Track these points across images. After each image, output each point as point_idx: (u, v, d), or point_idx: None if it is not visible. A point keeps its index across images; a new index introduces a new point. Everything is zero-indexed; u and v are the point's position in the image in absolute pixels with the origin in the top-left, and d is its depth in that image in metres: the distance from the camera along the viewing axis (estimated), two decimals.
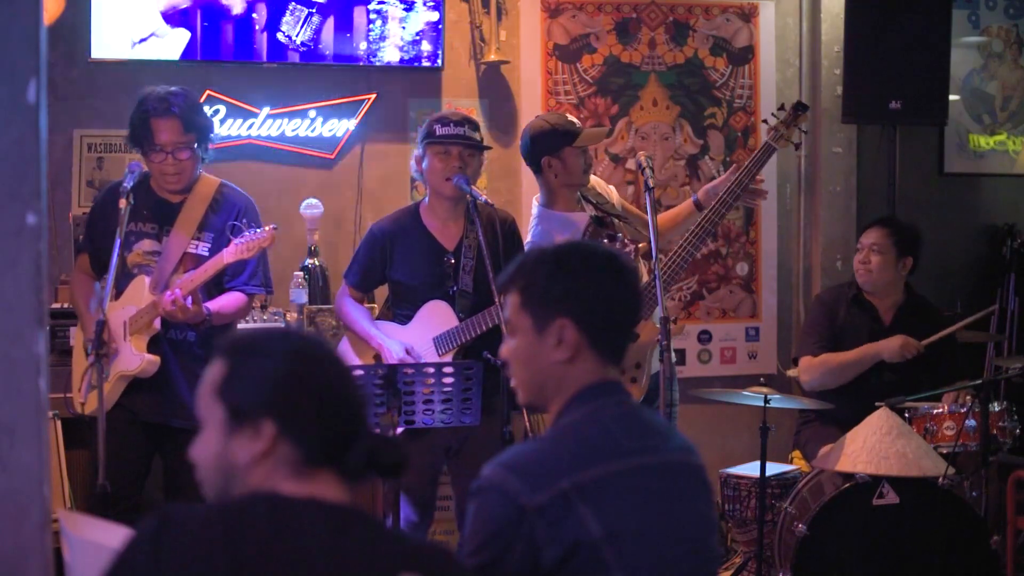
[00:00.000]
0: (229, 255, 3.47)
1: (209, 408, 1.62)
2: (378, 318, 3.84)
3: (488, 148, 3.78)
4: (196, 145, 3.50)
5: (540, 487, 1.78)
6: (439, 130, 3.64)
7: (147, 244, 3.52)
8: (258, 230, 3.50)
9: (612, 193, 4.05)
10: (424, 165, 3.68)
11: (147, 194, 3.54)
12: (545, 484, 1.79)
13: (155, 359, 3.42)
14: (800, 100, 3.94)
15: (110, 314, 3.43)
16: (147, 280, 3.46)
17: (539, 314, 1.94)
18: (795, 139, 3.91)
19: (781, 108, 3.92)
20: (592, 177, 4.00)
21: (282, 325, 4.44)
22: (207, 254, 3.51)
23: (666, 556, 1.86)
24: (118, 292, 3.52)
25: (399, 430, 3.47)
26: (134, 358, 3.40)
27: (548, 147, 3.81)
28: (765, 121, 3.92)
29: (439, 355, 3.62)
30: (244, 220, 3.58)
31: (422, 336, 3.65)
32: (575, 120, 3.89)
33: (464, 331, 3.59)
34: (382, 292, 4.04)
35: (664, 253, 3.75)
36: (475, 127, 3.68)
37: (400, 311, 3.76)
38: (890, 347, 4.16)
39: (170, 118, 3.44)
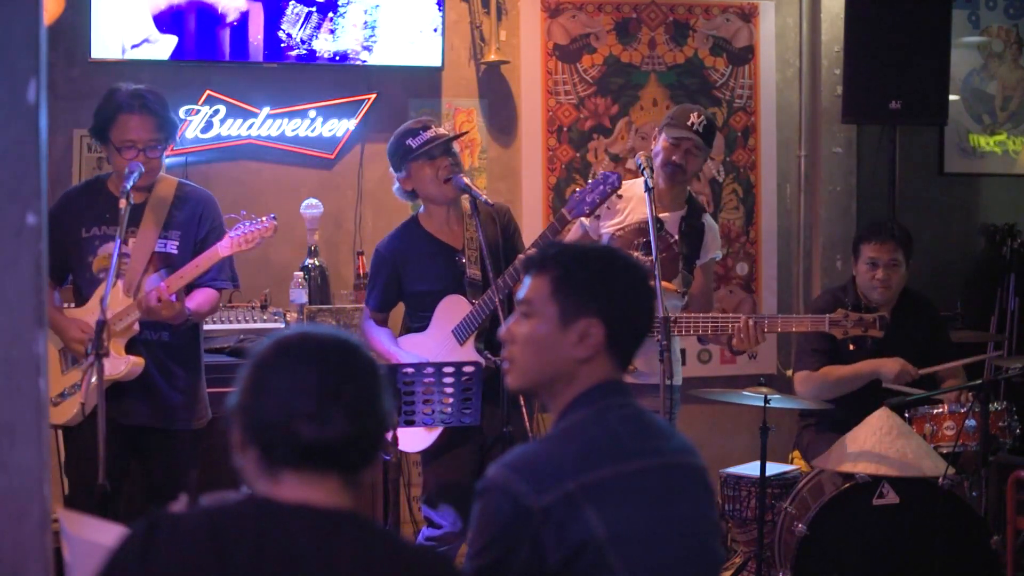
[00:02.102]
0: (225, 249, 3.44)
1: None
2: (400, 334, 3.86)
3: (462, 134, 3.80)
4: (165, 145, 3.45)
5: (546, 489, 1.78)
6: (414, 143, 3.65)
7: (112, 247, 3.38)
8: (256, 220, 3.48)
9: (712, 248, 3.98)
10: (413, 182, 3.70)
11: (106, 197, 3.45)
12: (551, 486, 1.78)
13: (140, 360, 3.36)
14: (884, 317, 3.64)
15: (75, 319, 3.40)
16: (120, 283, 3.38)
17: (569, 307, 1.91)
18: (849, 335, 3.66)
19: (868, 310, 3.79)
20: (714, 223, 4.02)
21: (281, 325, 4.45)
22: (176, 252, 3.47)
23: (670, 558, 1.86)
24: (84, 297, 3.45)
25: (437, 431, 3.48)
26: (118, 362, 3.33)
27: (663, 125, 3.90)
28: (848, 308, 3.75)
29: (460, 344, 3.63)
30: (206, 215, 3.54)
31: (441, 332, 3.66)
32: (694, 119, 3.82)
33: (477, 314, 3.60)
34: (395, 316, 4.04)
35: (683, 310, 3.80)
36: (439, 123, 3.72)
37: (417, 322, 3.77)
38: (888, 369, 4.09)
39: (144, 115, 3.38)
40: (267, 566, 1.46)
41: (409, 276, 3.74)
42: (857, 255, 4.29)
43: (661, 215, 3.80)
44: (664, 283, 3.62)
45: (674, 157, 3.82)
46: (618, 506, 1.81)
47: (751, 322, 3.61)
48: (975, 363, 4.39)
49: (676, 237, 3.85)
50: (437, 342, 3.66)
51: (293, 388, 1.56)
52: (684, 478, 1.93)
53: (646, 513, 1.84)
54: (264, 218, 3.49)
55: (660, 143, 3.86)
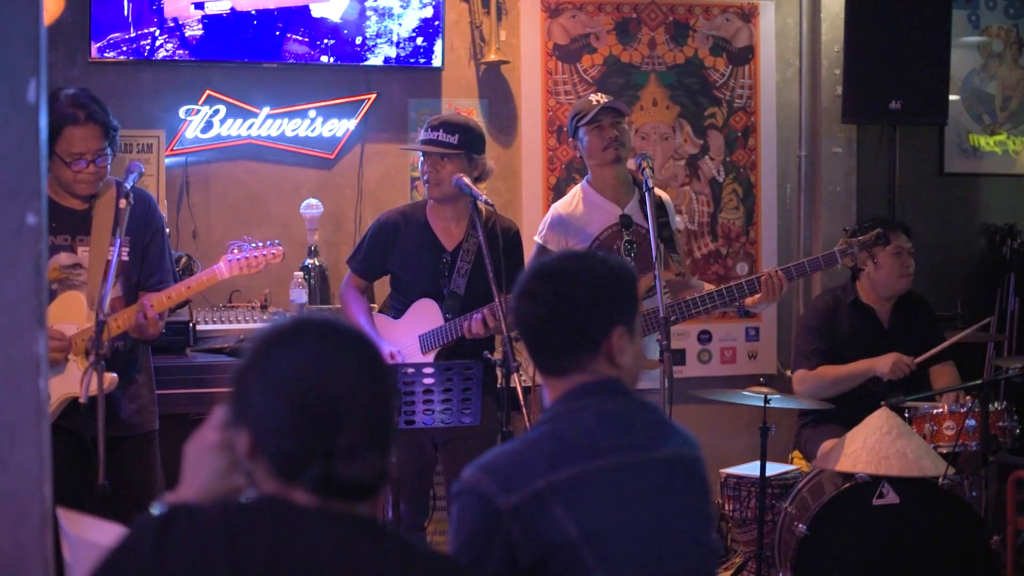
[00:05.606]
0: (223, 272, 3.41)
1: None
2: (380, 310, 3.91)
3: (461, 150, 3.64)
4: (112, 151, 3.35)
5: (514, 488, 1.79)
6: (420, 135, 3.72)
7: (63, 258, 3.34)
8: (260, 245, 3.45)
9: (673, 213, 4.00)
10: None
11: (50, 205, 3.23)
12: (519, 485, 1.79)
13: (115, 376, 3.25)
14: (884, 233, 3.79)
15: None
16: (83, 297, 3.31)
17: None
18: (861, 263, 3.87)
19: (869, 224, 3.85)
20: (663, 193, 3.99)
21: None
22: (128, 259, 3.39)
23: (655, 554, 1.86)
24: None
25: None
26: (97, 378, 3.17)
27: (570, 129, 3.94)
28: (845, 230, 3.87)
29: (423, 353, 3.66)
30: (151, 218, 3.45)
31: (410, 332, 3.69)
32: (595, 99, 3.88)
33: (447, 332, 3.62)
34: (381, 292, 4.05)
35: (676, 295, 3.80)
36: (452, 130, 3.63)
37: (395, 303, 3.81)
38: (883, 365, 4.11)
39: (90, 125, 3.26)
40: (282, 568, 1.44)
41: (395, 256, 3.76)
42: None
43: (624, 210, 3.83)
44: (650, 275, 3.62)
45: (609, 136, 3.81)
46: (589, 504, 1.81)
47: (779, 272, 3.68)
48: (973, 345, 4.39)
49: (647, 225, 3.85)
50: (405, 340, 3.69)
51: (325, 415, 1.47)
52: (671, 472, 1.93)
53: (622, 510, 1.84)
54: (269, 243, 3.47)
55: (583, 141, 3.86)
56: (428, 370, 3.33)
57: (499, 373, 3.24)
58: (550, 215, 3.94)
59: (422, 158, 3.70)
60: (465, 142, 3.64)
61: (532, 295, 1.96)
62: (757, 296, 3.69)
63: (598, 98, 3.88)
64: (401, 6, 4.78)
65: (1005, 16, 5.79)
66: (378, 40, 4.78)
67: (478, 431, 3.42)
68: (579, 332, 1.94)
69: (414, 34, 4.81)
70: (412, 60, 4.83)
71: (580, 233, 3.84)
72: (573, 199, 3.92)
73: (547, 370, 1.98)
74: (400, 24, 4.80)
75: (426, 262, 3.70)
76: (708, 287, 3.83)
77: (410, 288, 3.73)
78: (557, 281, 1.95)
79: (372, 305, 4.07)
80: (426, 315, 3.68)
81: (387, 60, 4.79)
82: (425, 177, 3.67)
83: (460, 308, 3.65)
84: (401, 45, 4.80)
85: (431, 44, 4.82)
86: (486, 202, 3.58)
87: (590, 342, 1.94)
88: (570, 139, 3.99)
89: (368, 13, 4.76)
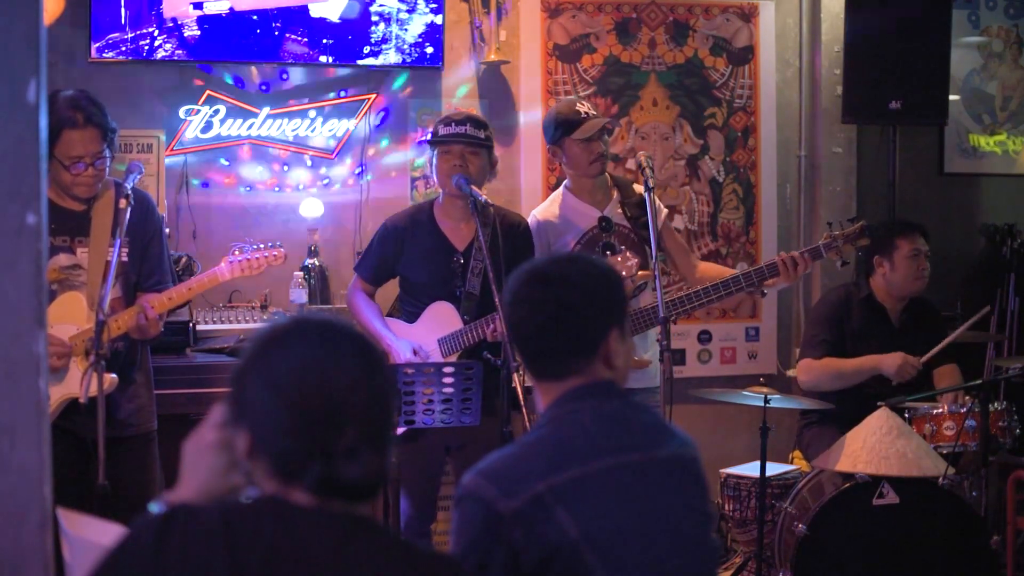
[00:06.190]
0: (224, 273, 3.41)
1: None
2: (389, 314, 3.87)
3: (488, 145, 3.71)
4: (111, 153, 3.34)
5: (515, 492, 1.79)
6: (441, 130, 3.67)
7: (63, 259, 3.34)
8: (262, 247, 3.45)
9: (661, 213, 3.95)
10: (433, 165, 3.72)
11: (49, 206, 3.29)
12: (520, 488, 1.79)
13: (114, 377, 3.26)
14: (867, 225, 3.80)
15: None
16: (83, 297, 3.31)
17: None
18: (847, 256, 3.82)
19: (851, 220, 3.83)
20: (640, 188, 3.93)
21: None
22: (128, 260, 3.39)
23: (656, 553, 1.86)
24: None
25: (400, 431, 3.48)
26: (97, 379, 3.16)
27: (551, 136, 3.87)
28: (829, 224, 3.84)
29: (443, 357, 3.63)
30: (150, 219, 3.45)
31: (427, 336, 3.67)
32: (583, 109, 3.84)
33: (468, 334, 3.59)
34: (384, 295, 4.04)
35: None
36: (479, 125, 3.67)
37: (407, 307, 3.78)
38: (890, 364, 4.09)
39: (88, 128, 3.26)
40: (281, 568, 1.44)
41: (405, 260, 3.75)
42: (891, 249, 4.30)
43: (604, 212, 3.84)
44: (643, 272, 3.62)
45: (597, 151, 3.81)
46: (589, 505, 1.81)
47: (797, 255, 3.68)
48: (973, 345, 4.38)
49: (628, 225, 3.86)
50: (423, 343, 3.66)
51: (324, 415, 1.47)
52: (670, 472, 1.93)
53: (623, 510, 1.84)
54: (271, 244, 3.47)
55: (568, 152, 3.83)
56: (428, 370, 3.33)
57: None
58: (528, 221, 3.92)
59: (434, 154, 3.68)
60: (489, 137, 3.71)
61: (529, 301, 1.94)
62: (776, 278, 3.71)
63: (586, 109, 3.85)
64: (407, 11, 4.78)
65: (1005, 16, 5.80)
66: (383, 45, 4.77)
67: (491, 435, 3.36)
68: (578, 337, 1.93)
69: (421, 39, 4.81)
70: (418, 64, 4.82)
71: (562, 236, 3.86)
72: (551, 204, 3.95)
73: (543, 375, 1.96)
74: (406, 30, 4.79)
75: (438, 263, 3.69)
76: (721, 270, 3.87)
77: (423, 291, 3.71)
78: (554, 286, 1.93)
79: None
80: (443, 318, 3.66)
81: (389, 63, 4.79)
82: (442, 172, 3.62)
83: (476, 309, 3.63)
84: (407, 51, 4.79)
85: (438, 50, 4.82)
86: (485, 202, 3.58)
87: (589, 346, 1.93)
88: (549, 145, 3.92)
89: (374, 18, 4.76)
